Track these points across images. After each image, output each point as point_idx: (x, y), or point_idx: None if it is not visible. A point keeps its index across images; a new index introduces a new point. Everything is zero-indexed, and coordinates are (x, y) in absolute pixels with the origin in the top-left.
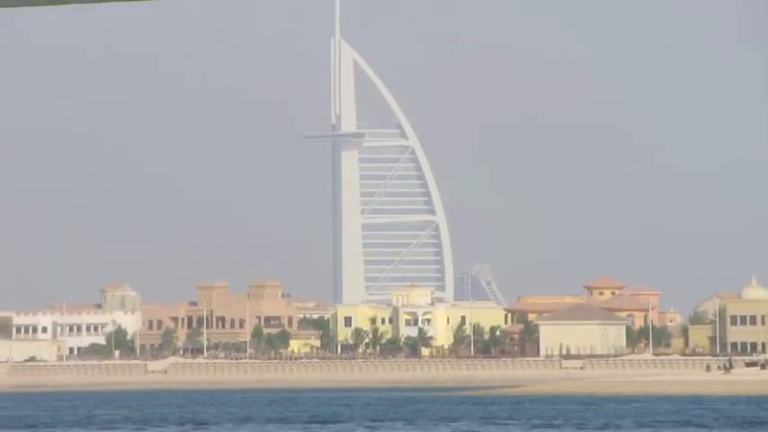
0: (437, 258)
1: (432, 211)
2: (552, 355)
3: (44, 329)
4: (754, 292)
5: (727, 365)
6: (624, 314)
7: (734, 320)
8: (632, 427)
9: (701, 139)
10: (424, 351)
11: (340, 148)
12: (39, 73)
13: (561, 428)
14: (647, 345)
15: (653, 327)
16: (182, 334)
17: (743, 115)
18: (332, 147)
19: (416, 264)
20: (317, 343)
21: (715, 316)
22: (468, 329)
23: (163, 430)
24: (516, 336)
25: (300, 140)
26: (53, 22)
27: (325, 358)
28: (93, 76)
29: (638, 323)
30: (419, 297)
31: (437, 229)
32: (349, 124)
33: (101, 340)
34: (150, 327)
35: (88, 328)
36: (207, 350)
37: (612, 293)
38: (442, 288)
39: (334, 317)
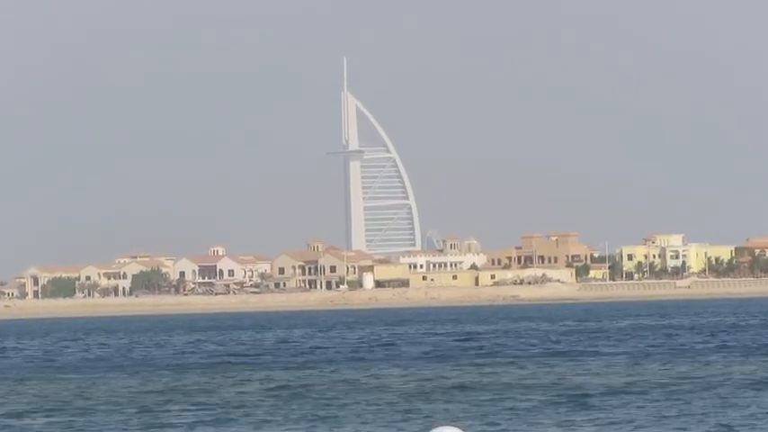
0: (409, 227)
1: (406, 197)
2: None
3: None
4: None
5: None
6: None
7: None
8: None
9: None
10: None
11: (349, 160)
12: None
13: None
14: None
15: None
16: None
17: None
18: (343, 159)
19: (394, 230)
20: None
21: None
22: (712, 261)
23: None
24: (746, 264)
25: (324, 155)
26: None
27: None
28: None
29: None
30: (674, 240)
31: (409, 209)
32: (354, 144)
33: None
34: None
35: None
36: None
37: None
38: (412, 244)
39: (620, 254)
